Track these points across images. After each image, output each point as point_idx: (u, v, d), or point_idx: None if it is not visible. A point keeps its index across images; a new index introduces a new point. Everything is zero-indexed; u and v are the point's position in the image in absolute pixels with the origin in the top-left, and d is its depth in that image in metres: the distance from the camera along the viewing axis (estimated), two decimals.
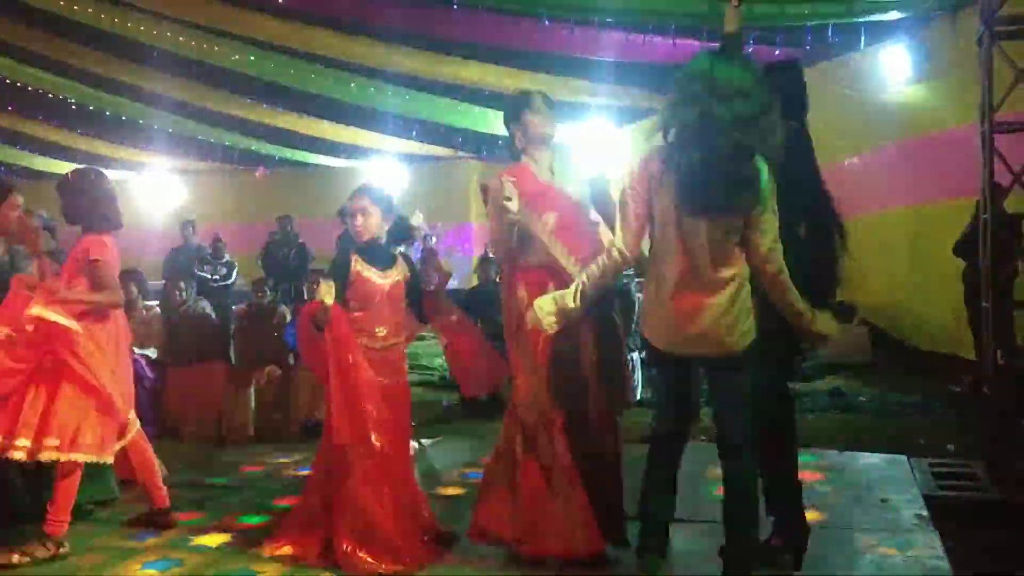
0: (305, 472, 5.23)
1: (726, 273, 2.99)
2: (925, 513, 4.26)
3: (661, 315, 3.05)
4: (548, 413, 3.51)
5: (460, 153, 15.39)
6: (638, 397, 7.33)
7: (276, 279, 10.05)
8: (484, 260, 7.98)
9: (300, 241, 10.97)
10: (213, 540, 4.10)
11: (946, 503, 4.44)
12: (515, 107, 3.70)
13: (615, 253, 3.10)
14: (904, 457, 5.25)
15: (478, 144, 15.06)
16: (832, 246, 3.56)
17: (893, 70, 8.14)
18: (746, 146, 2.89)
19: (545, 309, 3.18)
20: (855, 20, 8.09)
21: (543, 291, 3.39)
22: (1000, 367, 4.94)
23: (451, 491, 4.89)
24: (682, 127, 2.94)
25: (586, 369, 3.57)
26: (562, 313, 3.17)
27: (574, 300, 3.15)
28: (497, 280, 7.71)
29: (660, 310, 3.05)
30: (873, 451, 5.50)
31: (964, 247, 6.77)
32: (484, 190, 3.75)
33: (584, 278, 3.17)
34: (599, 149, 11.34)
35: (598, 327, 3.61)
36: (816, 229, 3.51)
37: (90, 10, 9.81)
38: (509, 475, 3.61)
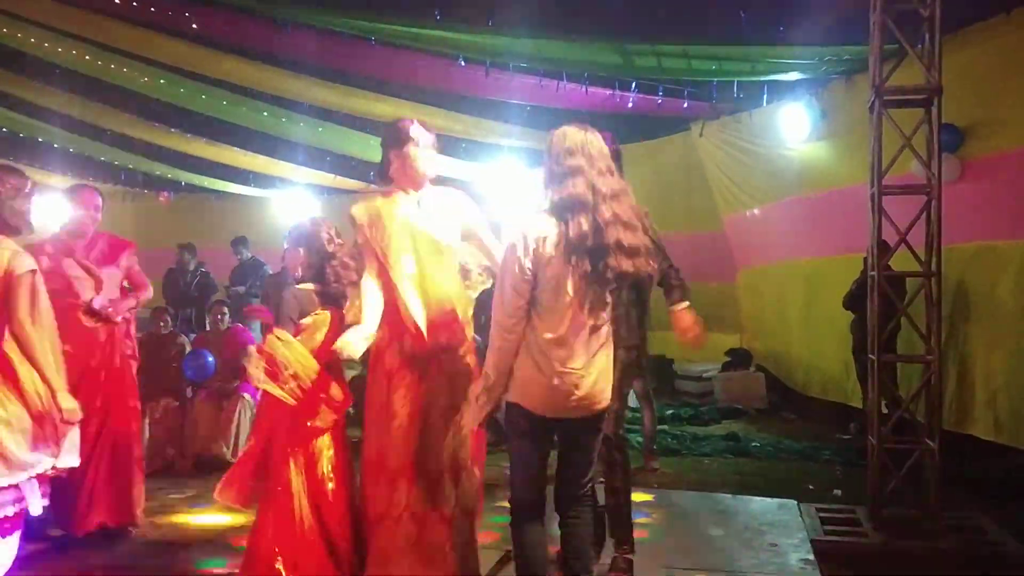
0: (199, 508, 5.13)
1: (604, 335, 3.15)
2: (811, 557, 4.42)
3: (543, 382, 3.07)
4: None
5: (371, 186, 15.33)
6: None
7: (176, 307, 9.83)
8: None
9: (203, 269, 10.76)
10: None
11: (831, 548, 4.61)
12: (398, 136, 3.64)
13: (496, 314, 3.09)
14: (794, 502, 5.43)
15: None
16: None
17: (793, 127, 8.48)
18: (626, 219, 3.05)
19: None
20: (758, 79, 8.41)
21: (397, 330, 3.50)
22: (883, 416, 5.16)
23: None
24: (570, 197, 3.03)
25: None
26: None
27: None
28: None
29: (542, 377, 3.06)
30: (765, 495, 5.67)
31: (853, 301, 7.08)
32: (351, 218, 3.69)
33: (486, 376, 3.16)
34: (510, 189, 11.45)
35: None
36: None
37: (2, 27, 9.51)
38: None
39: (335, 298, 3.90)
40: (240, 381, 7.04)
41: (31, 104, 11.68)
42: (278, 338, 3.67)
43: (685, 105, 9.14)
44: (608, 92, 8.84)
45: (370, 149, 12.56)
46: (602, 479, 3.97)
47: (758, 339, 10.29)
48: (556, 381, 3.05)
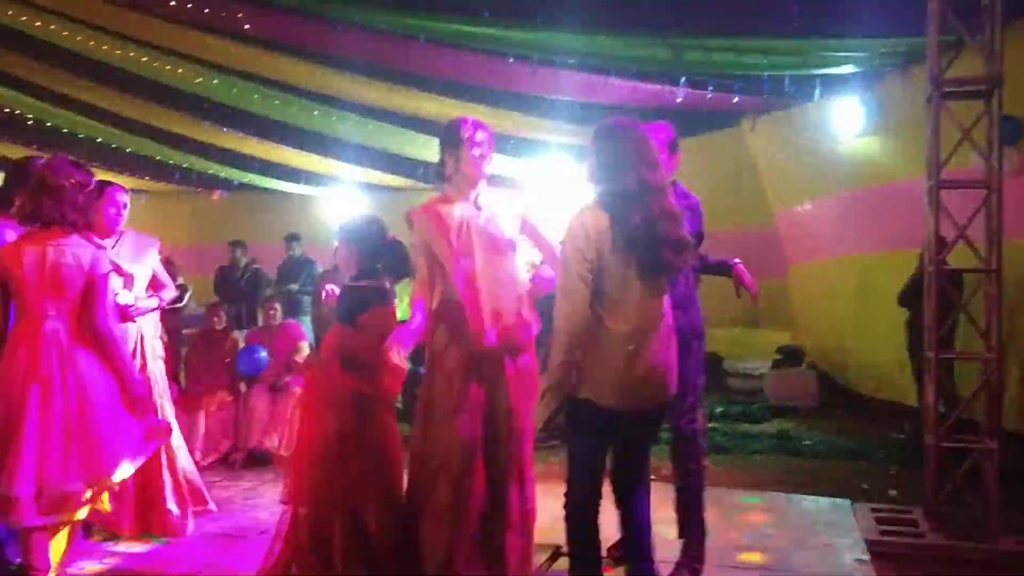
0: (253, 501, 5.19)
1: (667, 326, 3.19)
2: (866, 557, 4.35)
3: (615, 375, 3.07)
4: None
5: (419, 184, 15.43)
6: None
7: (227, 303, 9.99)
8: None
9: (255, 266, 10.93)
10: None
11: (887, 548, 4.53)
12: (455, 136, 3.61)
13: (562, 305, 3.06)
14: (847, 501, 5.35)
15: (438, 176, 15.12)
16: None
17: (846, 121, 8.34)
18: (673, 213, 3.10)
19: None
20: (810, 72, 8.29)
21: (458, 330, 3.48)
22: (941, 415, 5.06)
23: None
24: (620, 191, 3.05)
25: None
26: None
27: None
28: None
29: (614, 370, 3.06)
30: (817, 495, 5.59)
31: (908, 297, 6.94)
32: (408, 220, 3.68)
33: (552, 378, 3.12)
34: (558, 185, 11.45)
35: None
36: None
37: (52, 27, 9.72)
38: None
39: (386, 295, 3.91)
40: (292, 376, 7.13)
41: (89, 105, 11.95)
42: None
43: (735, 100, 9.05)
44: (657, 87, 8.78)
45: (418, 146, 12.66)
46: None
47: (810, 336, 10.15)
48: (628, 373, 3.06)
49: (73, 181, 3.62)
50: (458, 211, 3.58)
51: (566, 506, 3.25)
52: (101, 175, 12.95)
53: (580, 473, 3.24)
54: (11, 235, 3.82)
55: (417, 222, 3.60)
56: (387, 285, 3.87)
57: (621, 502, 3.35)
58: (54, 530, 3.52)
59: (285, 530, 3.71)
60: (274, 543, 3.76)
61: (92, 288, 3.57)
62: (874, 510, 5.16)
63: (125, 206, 4.70)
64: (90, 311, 3.57)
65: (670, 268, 3.11)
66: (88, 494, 3.49)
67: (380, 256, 3.87)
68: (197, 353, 7.50)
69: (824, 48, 7.50)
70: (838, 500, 5.42)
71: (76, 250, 3.58)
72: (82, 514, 3.56)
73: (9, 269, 3.50)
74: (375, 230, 3.94)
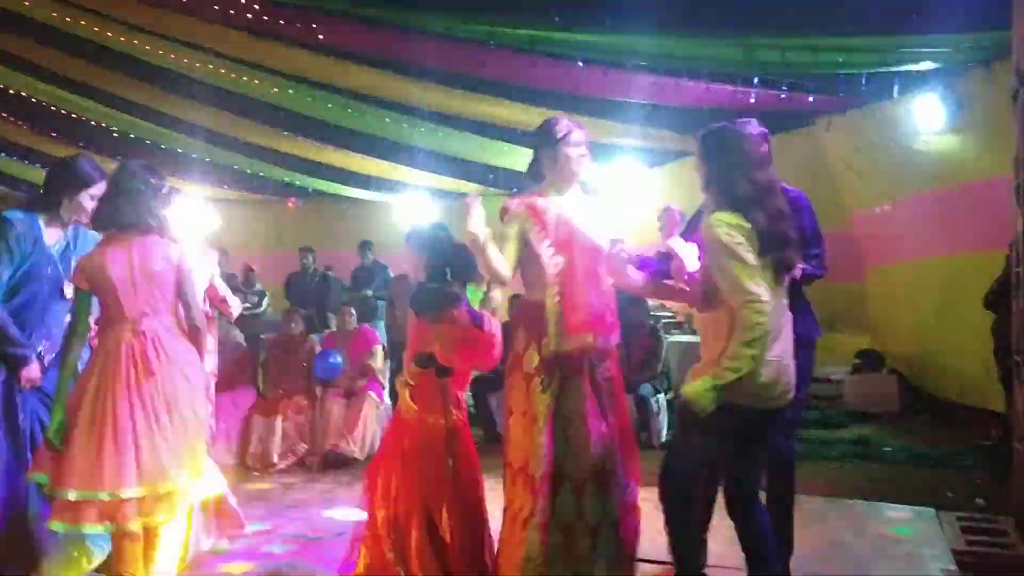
0: (329, 504, 5.27)
1: (790, 322, 3.23)
2: (953, 568, 4.22)
3: (768, 369, 3.09)
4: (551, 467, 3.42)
5: (489, 189, 15.51)
6: (663, 439, 7.34)
7: (298, 309, 10.16)
8: (515, 297, 8.03)
9: (325, 271, 11.10)
10: (238, 568, 4.14)
11: (974, 559, 4.39)
12: (551, 135, 3.59)
13: (756, 305, 3.01)
14: (932, 510, 5.20)
15: (508, 181, 15.18)
16: None
17: (926, 119, 8.13)
18: (787, 212, 3.18)
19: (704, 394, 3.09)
20: (888, 69, 8.10)
21: (539, 331, 3.42)
22: None
23: None
24: (742, 193, 3.11)
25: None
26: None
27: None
28: None
29: (767, 364, 3.08)
30: (900, 503, 5.44)
31: (994, 300, 6.72)
32: (504, 212, 3.61)
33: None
34: (628, 190, 11.39)
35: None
36: None
37: (136, 41, 10.05)
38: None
39: (456, 299, 3.93)
40: (367, 380, 7.23)
41: (170, 116, 12.31)
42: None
43: (811, 99, 8.89)
44: (730, 88, 8.68)
45: (488, 152, 12.74)
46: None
47: (890, 340, 9.89)
48: (769, 370, 3.08)
49: (149, 184, 3.68)
50: (555, 208, 3.54)
51: (668, 498, 3.22)
52: (179, 185, 13.30)
53: (695, 472, 3.25)
54: (54, 233, 3.89)
55: (515, 212, 3.53)
56: (456, 289, 3.90)
57: (736, 511, 3.26)
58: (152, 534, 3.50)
59: (363, 533, 3.76)
60: (352, 545, 3.82)
61: (183, 283, 3.64)
62: (960, 519, 5.00)
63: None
64: (184, 306, 3.65)
65: (791, 267, 3.18)
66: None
67: (447, 261, 3.91)
68: (275, 358, 7.67)
69: (903, 45, 7.32)
70: (922, 508, 5.27)
71: (161, 248, 3.63)
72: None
73: (97, 275, 3.53)
74: (442, 236, 4.00)
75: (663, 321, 9.39)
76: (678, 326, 9.82)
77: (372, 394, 7.22)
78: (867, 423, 8.52)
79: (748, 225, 3.07)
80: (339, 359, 7.25)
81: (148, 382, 3.43)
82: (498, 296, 4.09)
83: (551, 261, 3.45)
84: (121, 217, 3.60)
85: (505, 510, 3.52)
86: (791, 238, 3.15)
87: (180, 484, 3.46)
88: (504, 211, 3.58)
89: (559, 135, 3.56)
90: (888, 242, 9.64)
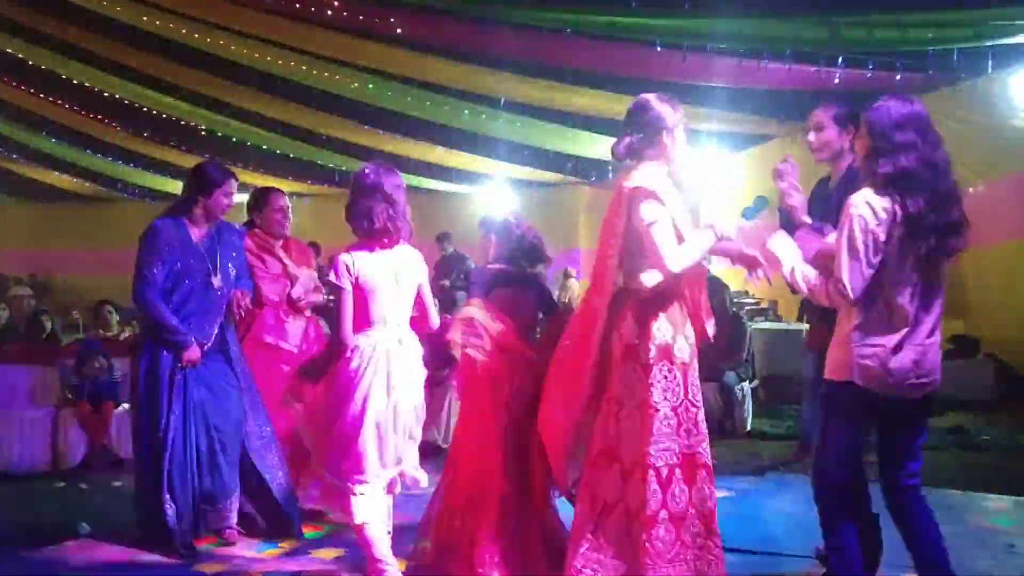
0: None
1: (939, 308, 3.09)
2: None
3: (886, 356, 2.99)
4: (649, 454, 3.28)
5: (568, 178, 15.49)
6: (748, 427, 7.25)
7: None
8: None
9: None
10: (329, 554, 4.23)
11: None
12: (671, 115, 3.42)
13: (839, 286, 2.96)
14: None
15: (587, 169, 15.14)
16: None
17: (1022, 96, 7.82)
18: (959, 195, 3.04)
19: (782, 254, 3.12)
20: (982, 44, 7.81)
21: (652, 319, 3.28)
22: None
23: None
24: (903, 173, 2.96)
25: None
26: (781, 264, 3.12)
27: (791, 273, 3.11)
28: None
29: (885, 351, 2.99)
30: (998, 493, 5.26)
31: None
32: (640, 194, 3.29)
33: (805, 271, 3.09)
34: (713, 175, 11.25)
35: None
36: None
37: (221, 41, 10.35)
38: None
39: (524, 280, 3.99)
40: (449, 370, 7.29)
41: (256, 114, 12.64)
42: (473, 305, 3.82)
43: (898, 78, 8.63)
44: (813, 69, 8.48)
45: (567, 141, 12.72)
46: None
47: (986, 325, 9.56)
48: (900, 355, 2.98)
49: (401, 190, 3.77)
50: (671, 192, 3.39)
51: (819, 492, 3.16)
52: (263, 181, 13.68)
53: (845, 462, 3.15)
54: (199, 232, 4.21)
55: (659, 197, 3.27)
56: (525, 269, 3.96)
57: (894, 508, 3.17)
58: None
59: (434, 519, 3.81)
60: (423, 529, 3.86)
61: (422, 292, 3.82)
62: None
63: (289, 209, 4.93)
64: (422, 314, 3.85)
65: (951, 253, 3.04)
66: None
67: (515, 243, 3.97)
68: None
69: (997, 17, 7.05)
70: (1020, 499, 5.09)
71: (410, 256, 3.77)
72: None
73: (369, 276, 3.61)
74: (510, 220, 4.10)
75: (747, 308, 9.25)
76: (762, 312, 9.66)
77: (454, 383, 7.28)
78: (963, 411, 8.23)
79: (889, 207, 2.94)
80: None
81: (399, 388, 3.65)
82: (575, 284, 4.09)
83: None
84: (382, 223, 3.66)
85: (610, 508, 3.33)
86: (954, 223, 3.00)
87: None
88: (640, 194, 3.26)
89: (679, 116, 3.43)
90: (982, 224, 9.24)
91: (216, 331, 4.24)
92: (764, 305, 9.63)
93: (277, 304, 4.76)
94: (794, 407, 7.41)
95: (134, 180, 17.06)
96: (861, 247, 2.94)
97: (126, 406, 6.15)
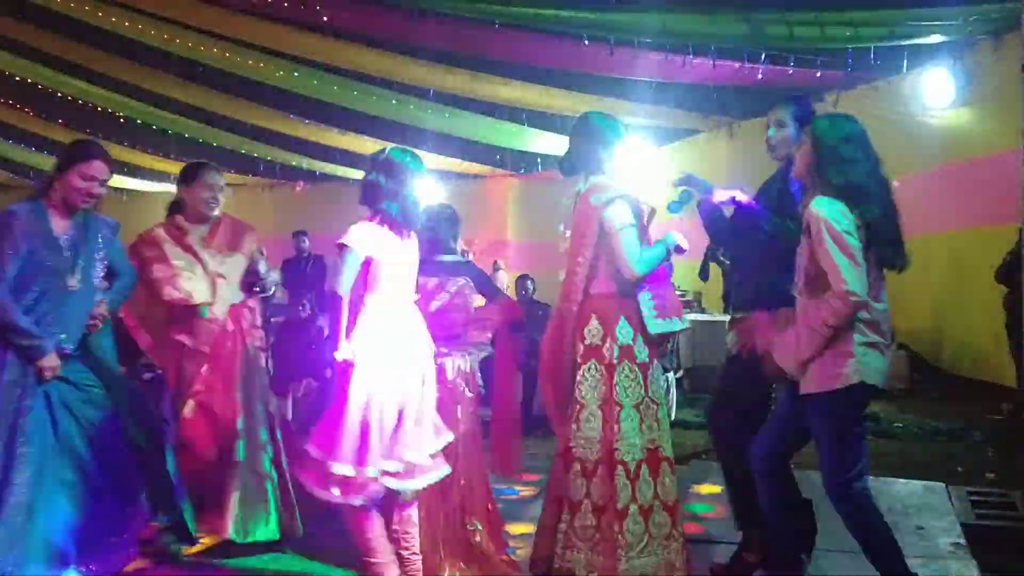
0: None
1: None
2: (962, 541, 4.23)
3: (882, 352, 3.16)
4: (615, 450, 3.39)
5: (498, 170, 15.50)
6: (672, 417, 7.36)
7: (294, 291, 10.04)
8: (521, 278, 8.02)
9: (316, 255, 10.93)
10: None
11: (984, 532, 4.39)
12: (616, 132, 3.61)
13: (850, 298, 2.97)
14: (942, 484, 5.20)
15: (516, 162, 15.17)
16: None
17: (935, 94, 8.08)
18: (897, 210, 3.19)
19: None
20: (897, 43, 8.04)
21: (614, 321, 3.40)
22: None
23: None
24: (854, 184, 3.10)
25: None
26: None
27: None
28: (533, 298, 7.74)
29: (882, 347, 3.14)
30: (909, 478, 5.44)
31: (1006, 273, 6.70)
32: (621, 198, 3.47)
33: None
34: (637, 169, 11.35)
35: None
36: None
37: (140, 26, 10.06)
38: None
39: (464, 269, 4.10)
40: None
41: (176, 101, 12.32)
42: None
43: (818, 75, 8.83)
44: (736, 64, 8.63)
45: (496, 133, 12.71)
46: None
47: (900, 316, 9.85)
48: (892, 348, 3.15)
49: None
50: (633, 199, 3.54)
51: (851, 497, 3.19)
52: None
53: (861, 456, 3.22)
54: (61, 223, 3.61)
55: (631, 202, 3.46)
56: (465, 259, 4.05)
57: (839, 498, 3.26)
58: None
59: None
60: None
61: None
62: (970, 493, 5.00)
63: (220, 188, 4.38)
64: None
65: (903, 267, 3.16)
66: None
67: (453, 238, 4.05)
68: (282, 341, 7.69)
69: (911, 17, 7.28)
70: (932, 483, 5.26)
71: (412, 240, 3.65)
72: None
73: (378, 254, 3.44)
74: (447, 214, 4.09)
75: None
76: (687, 304, 9.80)
77: None
78: (877, 399, 8.48)
79: (853, 216, 3.02)
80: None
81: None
82: (504, 276, 4.14)
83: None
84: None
85: (576, 503, 3.43)
86: (900, 238, 3.14)
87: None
88: (620, 198, 3.45)
89: (620, 134, 3.62)
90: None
91: (80, 337, 3.64)
92: (689, 297, 9.76)
93: (183, 301, 4.13)
94: None
95: (47, 168, 16.49)
96: (849, 245, 2.99)
97: None
